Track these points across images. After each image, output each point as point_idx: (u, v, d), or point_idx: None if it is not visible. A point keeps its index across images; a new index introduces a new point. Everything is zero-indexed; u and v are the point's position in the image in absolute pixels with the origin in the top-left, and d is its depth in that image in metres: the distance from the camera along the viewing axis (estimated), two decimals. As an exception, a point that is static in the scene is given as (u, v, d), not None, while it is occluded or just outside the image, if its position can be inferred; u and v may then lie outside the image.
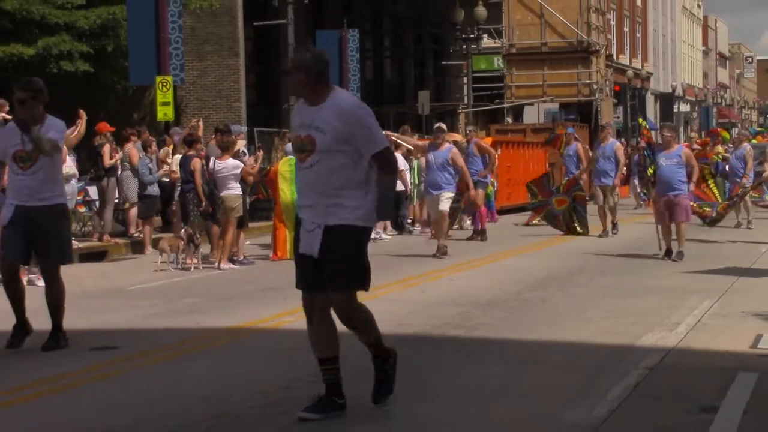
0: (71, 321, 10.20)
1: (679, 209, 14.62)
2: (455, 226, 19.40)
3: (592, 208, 19.36)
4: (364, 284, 6.30)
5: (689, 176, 14.72)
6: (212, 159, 15.42)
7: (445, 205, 15.82)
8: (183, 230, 14.99)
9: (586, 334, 9.00)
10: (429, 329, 9.35)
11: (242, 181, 15.33)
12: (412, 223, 21.23)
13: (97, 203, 18.02)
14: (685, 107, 74.07)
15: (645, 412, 6.41)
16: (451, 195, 15.94)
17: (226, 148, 15.30)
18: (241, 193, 15.35)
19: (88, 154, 18.23)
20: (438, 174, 15.78)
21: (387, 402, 6.45)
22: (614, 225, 19.08)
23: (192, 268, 14.67)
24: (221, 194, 15.02)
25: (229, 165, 15.01)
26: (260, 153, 18.86)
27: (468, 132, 20.11)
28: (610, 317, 9.88)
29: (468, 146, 19.48)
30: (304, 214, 6.25)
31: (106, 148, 17.51)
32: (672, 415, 6.31)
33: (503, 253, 16.33)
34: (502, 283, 12.48)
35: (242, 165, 15.45)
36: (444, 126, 17.19)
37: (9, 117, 17.79)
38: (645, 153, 15.69)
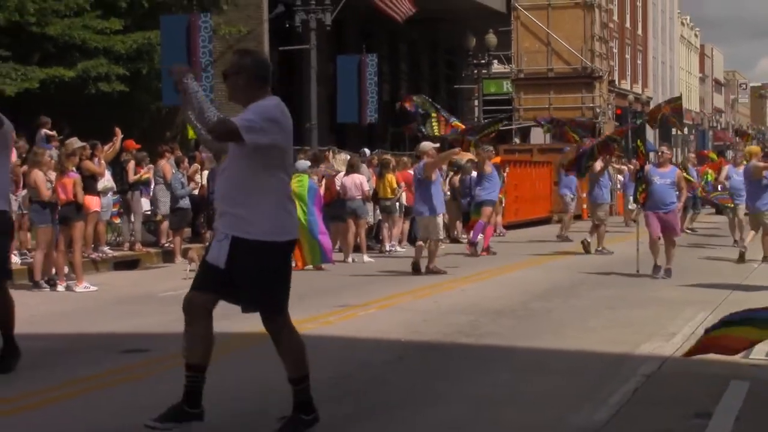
0: (105, 324, 10.28)
1: (670, 225, 14.54)
2: (447, 241, 19.19)
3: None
4: (274, 309, 5.58)
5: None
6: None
7: (442, 233, 15.55)
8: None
9: (588, 343, 8.98)
10: (440, 337, 9.33)
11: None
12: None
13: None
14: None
15: (643, 417, 6.39)
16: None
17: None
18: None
19: (120, 170, 18.31)
20: (441, 194, 15.30)
21: None
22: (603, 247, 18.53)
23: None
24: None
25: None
26: None
27: (487, 151, 19.90)
28: (610, 327, 9.86)
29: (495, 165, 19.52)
30: (217, 222, 5.66)
31: (131, 165, 17.70)
32: (669, 420, 6.28)
33: (511, 266, 16.30)
34: (510, 294, 12.45)
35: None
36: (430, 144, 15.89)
37: (52, 133, 17.92)
38: (638, 175, 15.72)
